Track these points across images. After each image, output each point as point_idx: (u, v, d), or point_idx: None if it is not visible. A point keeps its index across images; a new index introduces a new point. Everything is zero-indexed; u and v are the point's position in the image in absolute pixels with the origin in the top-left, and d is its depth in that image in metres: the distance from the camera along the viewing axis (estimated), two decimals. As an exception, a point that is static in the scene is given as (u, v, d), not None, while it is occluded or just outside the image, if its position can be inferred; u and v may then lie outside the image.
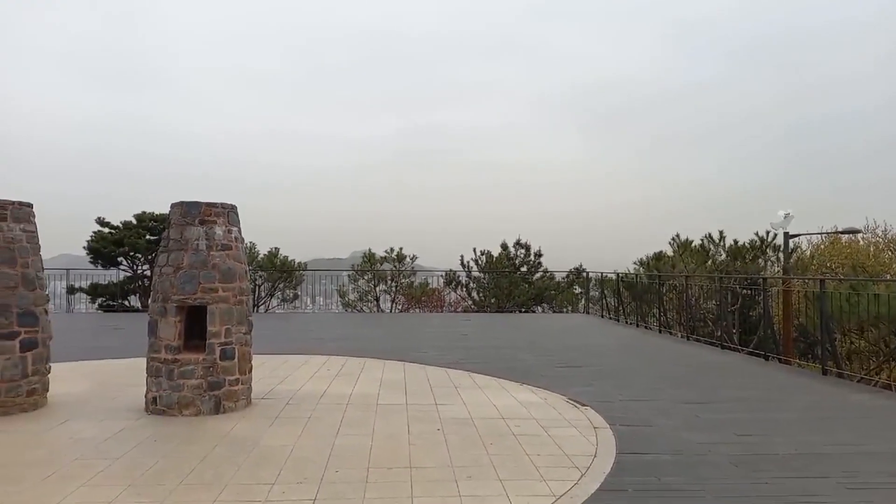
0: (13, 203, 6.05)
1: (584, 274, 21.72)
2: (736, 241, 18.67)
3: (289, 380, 7.75)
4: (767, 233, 17.97)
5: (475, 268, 22.43)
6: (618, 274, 18.65)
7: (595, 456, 4.84)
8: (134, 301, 20.63)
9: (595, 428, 5.65)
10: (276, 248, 22.23)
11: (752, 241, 18.35)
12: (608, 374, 8.63)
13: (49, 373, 6.34)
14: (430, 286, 22.61)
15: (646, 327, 15.69)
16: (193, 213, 6.19)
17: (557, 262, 23.10)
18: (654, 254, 20.37)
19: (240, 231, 6.55)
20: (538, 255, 22.72)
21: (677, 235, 20.06)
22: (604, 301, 19.28)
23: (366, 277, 22.22)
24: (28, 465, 4.43)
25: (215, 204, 6.29)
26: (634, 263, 20.65)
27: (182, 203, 6.23)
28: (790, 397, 7.24)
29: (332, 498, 3.92)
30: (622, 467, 4.61)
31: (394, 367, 8.89)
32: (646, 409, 6.46)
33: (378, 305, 22.00)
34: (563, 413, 6.22)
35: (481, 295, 22.23)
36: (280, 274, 21.33)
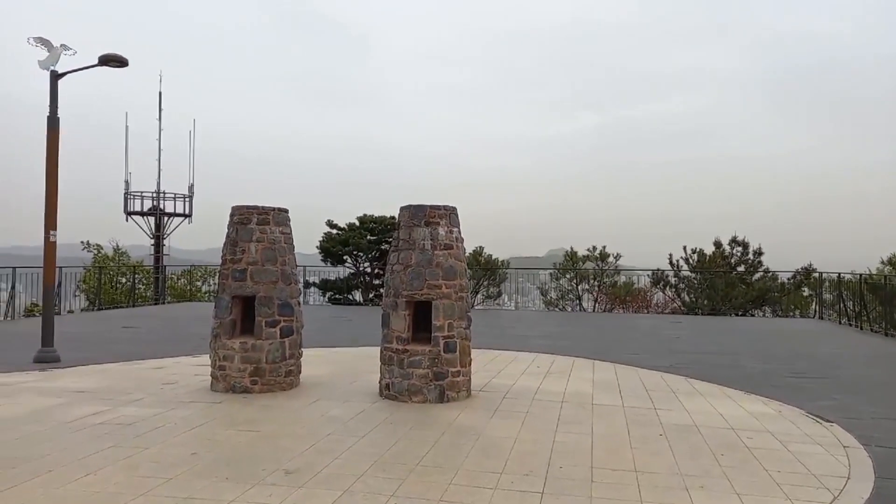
0: (274, 209, 7.03)
1: (816, 274, 19.32)
2: None
3: (502, 374, 8.00)
4: None
5: (685, 267, 21.13)
6: (860, 275, 16.32)
7: (848, 478, 4.32)
8: (357, 295, 22.73)
9: (845, 447, 5.04)
10: (480, 247, 23.05)
11: None
12: (852, 387, 7.63)
13: (301, 357, 7.26)
14: (635, 286, 21.80)
15: (896, 337, 13.55)
16: (419, 215, 6.67)
17: (781, 262, 20.90)
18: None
19: (460, 231, 6.91)
20: (758, 253, 20.76)
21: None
22: (841, 305, 17.01)
23: (568, 276, 22.10)
24: (295, 437, 5.12)
25: (438, 206, 6.70)
26: (882, 262, 17.91)
27: (410, 206, 6.74)
28: None
29: (559, 493, 3.99)
30: (883, 494, 4.06)
31: (604, 367, 8.75)
32: (908, 430, 5.61)
33: (580, 304, 21.76)
34: (803, 428, 5.63)
35: (692, 296, 20.90)
36: (484, 272, 22.05)
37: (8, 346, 10.21)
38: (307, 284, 22.11)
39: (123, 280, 21.98)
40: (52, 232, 8.85)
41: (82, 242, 23.46)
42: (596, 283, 21.62)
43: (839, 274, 17.17)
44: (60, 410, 5.85)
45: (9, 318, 15.21)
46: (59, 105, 8.97)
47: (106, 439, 4.95)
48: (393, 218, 22.26)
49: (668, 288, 21.24)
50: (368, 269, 22.86)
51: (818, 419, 5.94)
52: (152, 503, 3.73)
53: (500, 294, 22.60)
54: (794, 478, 4.31)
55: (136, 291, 21.49)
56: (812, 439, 5.26)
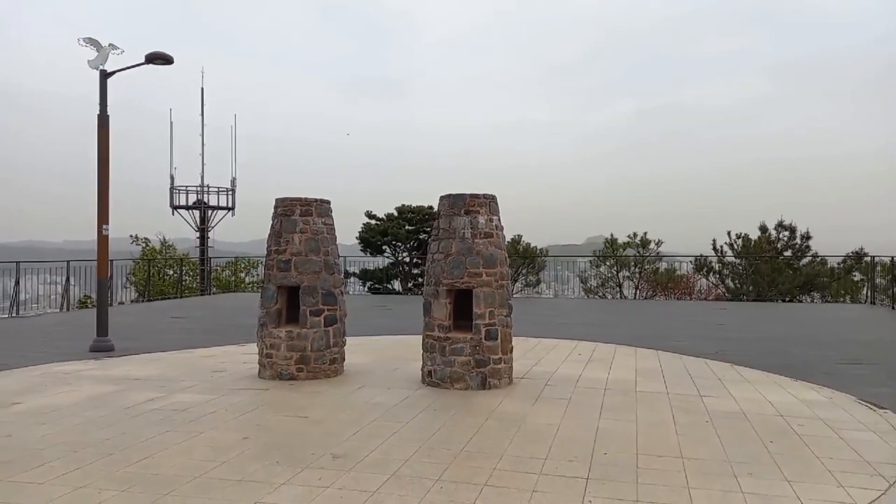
0: (317, 200, 7.15)
1: (868, 258, 18.63)
2: None
3: (543, 362, 8.00)
4: None
5: (730, 253, 20.65)
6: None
7: (904, 466, 4.21)
8: (396, 285, 22.93)
9: (900, 435, 4.91)
10: (518, 235, 22.95)
11: None
12: (909, 374, 7.39)
13: (345, 345, 7.39)
14: (678, 272, 21.43)
15: (955, 322, 13.03)
16: (459, 204, 6.69)
17: (831, 246, 20.24)
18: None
19: (499, 220, 6.91)
20: (805, 237, 20.13)
21: None
22: (895, 290, 16.42)
23: (608, 263, 21.85)
24: (342, 423, 5.23)
25: (478, 195, 6.72)
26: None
27: (449, 195, 6.77)
28: None
29: (605, 479, 3.99)
30: (943, 483, 3.95)
31: (647, 354, 8.66)
32: (968, 418, 5.41)
33: (621, 292, 21.51)
34: (855, 414, 5.50)
35: (737, 282, 20.44)
36: (523, 260, 21.97)
37: (65, 336, 10.65)
38: (347, 275, 22.42)
39: (171, 272, 22.65)
40: (104, 226, 9.17)
41: (131, 236, 24.22)
42: (637, 269, 21.32)
43: (892, 258, 16.56)
44: (118, 397, 6.10)
45: (64, 310, 15.84)
46: (109, 103, 9.26)
47: (162, 424, 5.15)
48: (430, 208, 22.35)
49: (711, 274, 20.81)
50: (407, 259, 23.02)
51: (871, 406, 5.78)
52: (208, 485, 3.88)
53: (538, 282, 22.49)
54: (847, 465, 4.22)
55: (183, 283, 22.11)
56: (865, 426, 5.13)
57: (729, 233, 20.82)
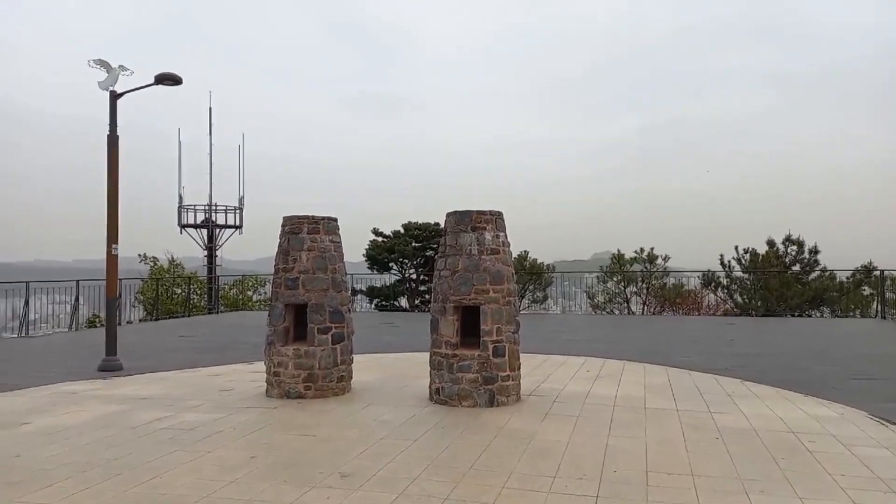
0: (324, 218, 7.19)
1: (878, 272, 18.52)
2: None
3: (552, 378, 7.96)
4: None
5: (738, 267, 20.58)
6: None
7: (918, 483, 4.16)
8: (403, 302, 22.92)
9: (914, 451, 4.85)
10: (525, 251, 22.99)
11: None
12: (921, 389, 7.31)
13: (352, 363, 7.38)
14: (685, 288, 21.35)
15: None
16: (466, 220, 6.71)
17: (839, 260, 20.15)
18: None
19: (506, 236, 6.93)
20: (814, 251, 20.07)
21: None
22: (904, 304, 16.30)
23: (615, 279, 21.81)
24: (350, 441, 5.22)
25: (484, 212, 6.74)
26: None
27: (456, 212, 6.80)
28: None
29: (614, 496, 3.96)
30: (958, 500, 3.89)
31: (655, 370, 8.61)
32: (982, 433, 5.35)
33: (628, 307, 21.43)
34: (867, 430, 5.44)
35: (745, 297, 20.34)
36: (530, 276, 21.95)
37: (73, 355, 10.69)
38: (354, 292, 22.44)
39: (179, 291, 22.74)
40: (113, 245, 9.24)
41: (139, 255, 24.37)
42: (644, 285, 21.26)
43: (902, 271, 16.48)
44: (126, 416, 6.10)
45: (73, 329, 15.91)
46: (119, 123, 9.37)
47: (170, 444, 5.15)
48: (437, 224, 22.40)
49: (719, 289, 20.74)
50: (414, 276, 23.04)
51: (884, 422, 5.72)
52: (216, 504, 3.87)
53: (546, 298, 22.45)
54: (860, 482, 4.17)
55: (191, 301, 22.19)
56: (878, 442, 5.08)
57: (736, 247, 20.81)
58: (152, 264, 24.17)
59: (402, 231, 22.85)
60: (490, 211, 6.79)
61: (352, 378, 7.37)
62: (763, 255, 20.36)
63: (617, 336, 13.37)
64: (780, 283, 19.52)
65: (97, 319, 18.25)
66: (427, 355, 6.95)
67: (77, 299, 16.07)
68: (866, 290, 19.66)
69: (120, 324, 14.85)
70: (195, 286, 23.37)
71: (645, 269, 21.26)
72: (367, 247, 22.89)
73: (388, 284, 22.82)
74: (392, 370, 8.69)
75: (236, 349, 11.14)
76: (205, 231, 26.02)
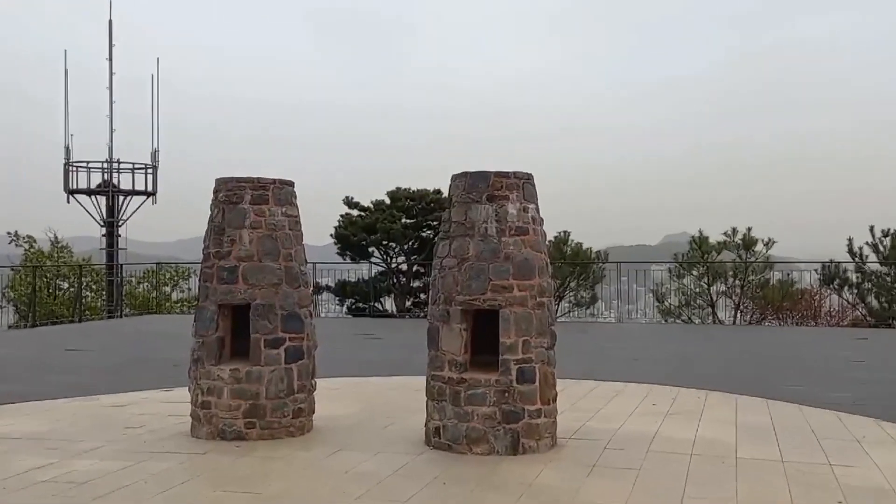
0: (275, 182, 7.19)
1: None
2: None
3: (602, 415, 8.03)
4: None
5: (873, 258, 20.56)
6: None
7: None
8: (388, 304, 23.03)
9: None
10: (565, 233, 22.95)
11: None
12: None
13: (314, 390, 7.44)
14: (797, 286, 21.37)
15: None
16: (480, 186, 6.71)
17: None
18: None
19: (537, 210, 6.94)
20: None
21: None
22: None
23: (695, 273, 21.84)
24: (317, 501, 5.28)
25: (507, 174, 6.73)
26: None
27: (466, 174, 6.80)
28: None
29: (691, 584, 4.00)
30: None
31: (752, 404, 8.69)
32: None
33: (714, 314, 21.49)
34: None
35: (884, 300, 20.34)
36: (572, 268, 21.97)
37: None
38: (318, 289, 22.53)
39: (66, 285, 22.88)
40: (-28, 219, 9.29)
41: (8, 233, 24.51)
42: (737, 282, 21.30)
43: None
44: (-9, 463, 6.17)
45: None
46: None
47: (55, 502, 5.20)
48: (438, 192, 22.41)
49: (846, 288, 20.73)
50: (404, 266, 23.11)
51: None
52: (121, 589, 3.92)
53: (594, 300, 22.54)
54: None
55: (84, 300, 22.33)
56: None
57: (871, 228, 20.76)
58: (27, 247, 24.30)
59: (388, 202, 22.92)
60: (515, 173, 6.79)
61: (314, 412, 7.43)
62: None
63: (697, 354, 13.46)
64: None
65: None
66: (423, 380, 7.00)
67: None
68: None
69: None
70: (89, 278, 23.50)
71: (739, 260, 21.29)
72: (336, 224, 22.98)
73: (366, 279, 22.93)
74: (373, 401, 8.77)
75: (148, 369, 11.22)
76: (103, 200, 26.05)
